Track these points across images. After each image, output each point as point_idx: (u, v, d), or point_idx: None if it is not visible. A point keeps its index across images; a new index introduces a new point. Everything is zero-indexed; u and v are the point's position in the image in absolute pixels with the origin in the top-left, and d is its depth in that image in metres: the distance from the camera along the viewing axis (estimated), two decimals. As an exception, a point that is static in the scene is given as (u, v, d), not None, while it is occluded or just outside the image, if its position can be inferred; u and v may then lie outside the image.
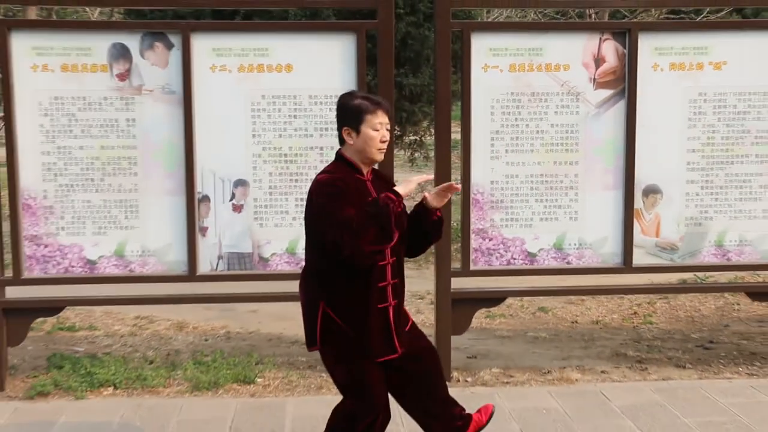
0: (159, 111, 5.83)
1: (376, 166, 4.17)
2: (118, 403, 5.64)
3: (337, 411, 4.25)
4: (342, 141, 4.02)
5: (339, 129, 4.02)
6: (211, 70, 5.83)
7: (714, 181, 6.21)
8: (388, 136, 3.98)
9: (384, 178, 4.21)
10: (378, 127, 3.94)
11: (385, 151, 3.97)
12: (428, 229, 4.16)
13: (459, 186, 4.17)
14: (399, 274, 4.07)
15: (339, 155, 4.06)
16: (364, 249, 3.81)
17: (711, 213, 6.24)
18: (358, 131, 3.95)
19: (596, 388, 5.95)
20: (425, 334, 4.42)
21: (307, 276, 4.11)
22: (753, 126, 6.19)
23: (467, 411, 4.60)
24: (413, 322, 4.39)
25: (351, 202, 3.82)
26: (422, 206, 4.11)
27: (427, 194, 4.10)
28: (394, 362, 4.26)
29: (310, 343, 4.10)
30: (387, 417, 4.24)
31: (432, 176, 4.14)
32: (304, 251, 4.13)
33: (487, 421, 4.64)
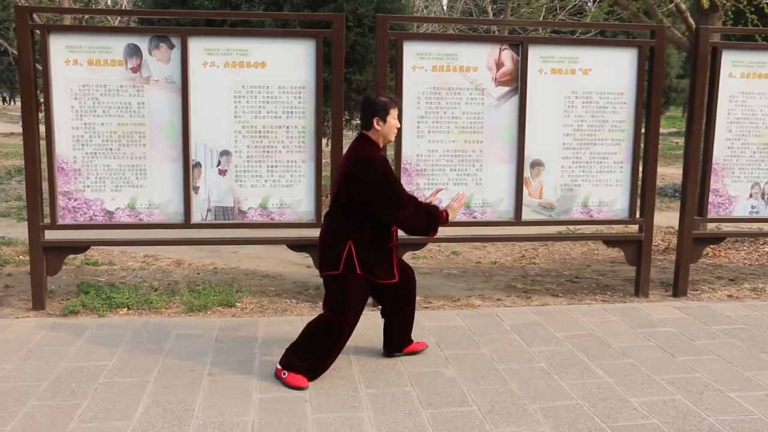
0: (163, 96, 5.76)
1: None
2: (131, 321, 5.63)
3: (317, 321, 4.27)
4: (369, 126, 4.10)
5: (369, 117, 4.09)
6: (203, 65, 5.76)
7: (582, 158, 6.27)
8: (399, 124, 4.17)
9: None
10: (397, 118, 4.13)
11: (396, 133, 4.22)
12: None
13: (464, 194, 4.35)
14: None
15: (365, 137, 4.13)
16: (406, 218, 4.00)
17: (579, 181, 6.31)
18: (385, 120, 4.07)
19: (493, 312, 6.02)
20: (410, 267, 4.59)
21: (342, 221, 4.14)
22: (610, 117, 6.26)
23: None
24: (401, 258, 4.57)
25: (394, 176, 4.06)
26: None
27: (449, 210, 4.23)
28: (390, 290, 4.37)
29: (332, 268, 4.15)
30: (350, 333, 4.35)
31: (464, 195, 4.31)
32: (332, 203, 4.21)
33: (420, 351, 4.79)
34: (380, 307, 4.66)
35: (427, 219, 4.07)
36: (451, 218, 4.17)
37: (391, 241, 4.20)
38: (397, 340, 4.74)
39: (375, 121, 4.08)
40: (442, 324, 5.64)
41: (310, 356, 4.25)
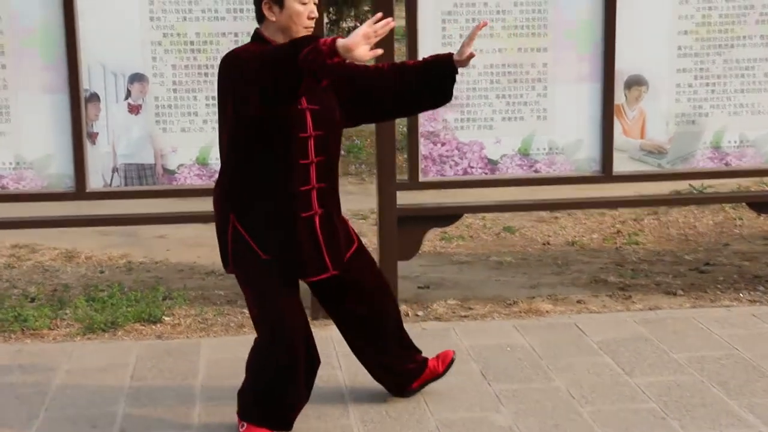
0: (31, -14, 5.71)
1: None
2: (-7, 349, 5.61)
3: (252, 350, 4.39)
4: (261, 17, 4.07)
5: (257, 1, 4.04)
6: (96, -70, 5.72)
7: (710, 69, 6.24)
8: (316, 12, 4.02)
9: None
10: (305, 0, 3.97)
11: (312, 29, 3.98)
12: (438, 87, 4.35)
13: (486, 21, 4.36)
14: (327, 178, 4.14)
15: (257, 34, 4.12)
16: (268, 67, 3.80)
17: (707, 108, 6.28)
18: (281, 5, 3.99)
19: (570, 321, 6.02)
20: (375, 263, 4.53)
21: (218, 184, 4.24)
22: (758, 0, 6.21)
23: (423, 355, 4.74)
24: (360, 246, 4.46)
25: None
26: (441, 58, 4.32)
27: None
28: (335, 296, 4.37)
29: (224, 263, 4.29)
30: (312, 359, 4.37)
31: (392, 22, 3.87)
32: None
33: (444, 371, 4.80)
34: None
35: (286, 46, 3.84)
36: (346, 45, 3.64)
37: (309, 208, 4.15)
38: (398, 374, 4.75)
39: (264, 6, 4.03)
40: (489, 342, 5.64)
41: (260, 396, 4.32)
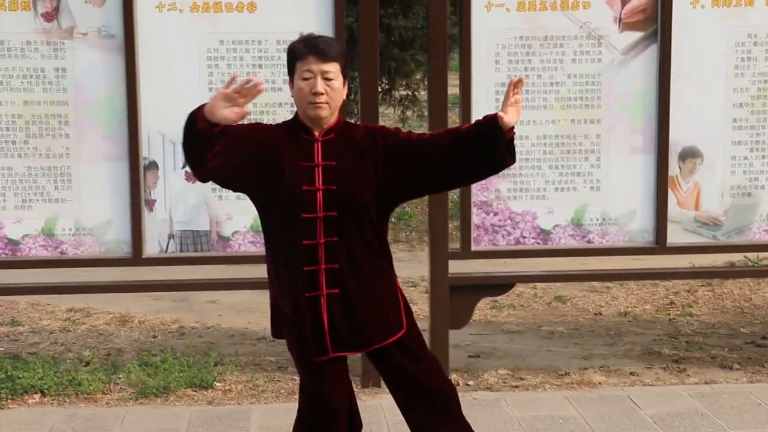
0: (95, 59, 5.81)
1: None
2: (47, 414, 5.62)
3: (295, 420, 4.29)
4: None
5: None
6: (157, 9, 5.81)
7: (766, 142, 6.22)
8: (319, 87, 3.84)
9: (371, 138, 4.02)
10: (307, 76, 3.86)
11: (321, 106, 3.85)
12: (495, 152, 3.97)
13: (523, 78, 3.97)
14: (341, 258, 3.96)
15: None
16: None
17: (763, 180, 6.26)
18: (292, 82, 3.95)
19: (623, 393, 5.97)
20: (435, 361, 4.26)
21: None
22: (814, 73, 6.20)
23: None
24: (407, 333, 4.15)
25: (239, 146, 3.84)
26: (488, 123, 3.96)
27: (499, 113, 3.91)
28: (383, 370, 4.24)
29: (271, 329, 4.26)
30: (354, 426, 4.26)
31: (262, 85, 3.81)
32: None
33: None
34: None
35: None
36: (208, 109, 3.66)
37: (315, 287, 3.99)
38: None
39: (289, 84, 4.04)
40: (541, 413, 5.60)
41: None
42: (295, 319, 4.03)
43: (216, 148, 3.73)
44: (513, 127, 3.92)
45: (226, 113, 3.64)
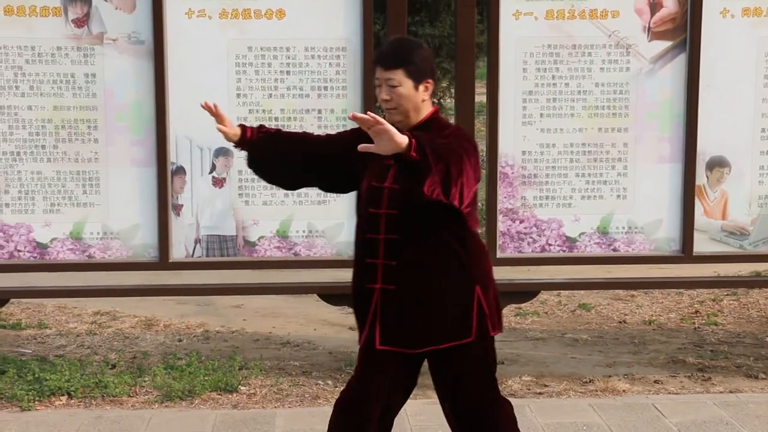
0: (124, 64, 5.84)
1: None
2: (73, 416, 5.65)
3: None
4: None
5: None
6: (187, 15, 5.84)
7: (794, 152, 6.22)
8: (384, 95, 3.96)
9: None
10: (377, 83, 4.02)
11: (390, 111, 3.96)
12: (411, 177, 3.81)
13: (367, 116, 3.61)
14: (400, 255, 3.99)
15: None
16: None
17: (790, 191, 6.24)
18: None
19: (648, 401, 5.95)
20: (484, 372, 4.14)
21: None
22: (842, 85, 6.17)
23: None
24: (474, 343, 4.04)
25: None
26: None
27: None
28: (434, 376, 4.21)
29: None
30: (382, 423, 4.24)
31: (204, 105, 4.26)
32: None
33: None
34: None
35: None
36: None
37: (372, 280, 4.06)
38: None
39: None
40: (565, 420, 5.60)
41: None
42: (355, 306, 4.18)
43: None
44: (413, 149, 3.58)
45: (223, 133, 4.20)
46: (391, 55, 3.97)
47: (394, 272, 4.02)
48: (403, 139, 3.50)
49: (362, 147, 3.60)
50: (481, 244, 4.17)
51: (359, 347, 4.17)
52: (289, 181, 4.49)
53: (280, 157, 4.25)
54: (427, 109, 4.04)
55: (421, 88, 3.97)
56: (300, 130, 4.67)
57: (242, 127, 4.24)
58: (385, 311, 4.05)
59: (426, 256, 4.01)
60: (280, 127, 5.78)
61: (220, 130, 4.20)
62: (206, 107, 4.18)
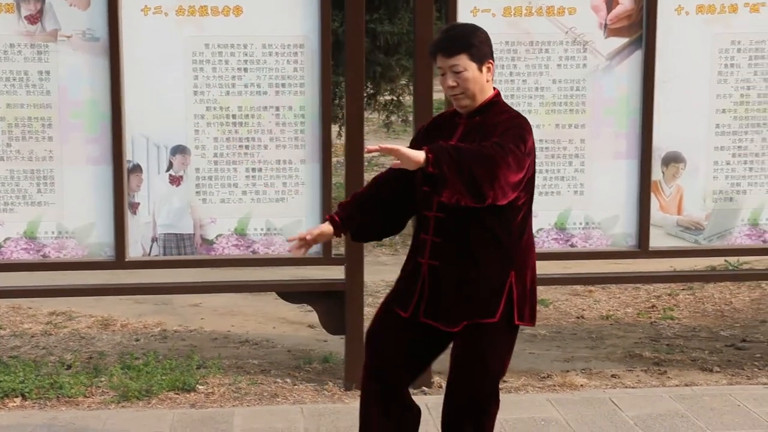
0: (79, 62, 5.79)
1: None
2: (28, 417, 5.60)
3: None
4: None
5: None
6: (143, 12, 5.80)
7: (748, 148, 6.25)
8: (450, 81, 4.09)
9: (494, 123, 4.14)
10: (441, 71, 4.15)
11: (457, 97, 4.10)
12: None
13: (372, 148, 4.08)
14: (446, 234, 4.15)
15: None
16: None
17: (744, 185, 6.29)
18: None
19: (605, 396, 5.98)
20: (489, 356, 4.27)
21: None
22: (796, 81, 6.25)
23: None
24: (494, 326, 4.19)
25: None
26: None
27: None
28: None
29: None
30: (391, 389, 4.34)
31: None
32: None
33: None
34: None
35: None
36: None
37: (421, 255, 4.24)
38: None
39: None
40: (523, 415, 5.62)
41: None
42: (406, 276, 4.30)
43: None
44: (431, 164, 3.86)
45: (323, 240, 4.52)
46: (451, 41, 4.10)
47: (440, 250, 4.18)
48: (420, 156, 3.79)
49: (394, 165, 3.98)
50: (528, 235, 4.26)
51: (382, 308, 4.34)
52: (397, 224, 4.49)
53: (371, 214, 4.38)
54: (489, 91, 4.19)
55: (485, 69, 4.11)
56: (366, 184, 4.73)
57: (329, 218, 4.38)
58: (431, 286, 4.21)
59: (467, 236, 4.13)
60: (236, 124, 5.84)
61: (317, 243, 4.46)
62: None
